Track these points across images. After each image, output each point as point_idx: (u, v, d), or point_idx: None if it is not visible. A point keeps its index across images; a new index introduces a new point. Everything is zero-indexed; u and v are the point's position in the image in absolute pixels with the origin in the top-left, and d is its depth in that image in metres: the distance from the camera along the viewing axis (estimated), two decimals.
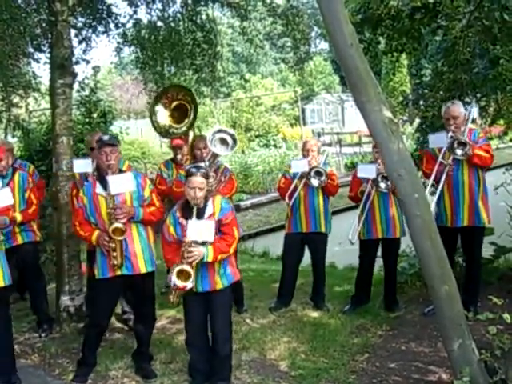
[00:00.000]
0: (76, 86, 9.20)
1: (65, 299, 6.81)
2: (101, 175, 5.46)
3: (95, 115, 12.93)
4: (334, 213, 7.31)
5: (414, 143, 12.66)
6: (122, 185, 5.21)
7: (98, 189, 5.32)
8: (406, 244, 7.32)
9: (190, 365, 5.31)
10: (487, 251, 7.85)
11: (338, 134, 33.40)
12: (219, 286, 5.01)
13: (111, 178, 5.17)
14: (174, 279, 4.80)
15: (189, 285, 4.81)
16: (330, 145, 28.45)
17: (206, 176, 4.99)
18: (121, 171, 5.44)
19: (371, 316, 6.82)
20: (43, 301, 6.89)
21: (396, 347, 5.97)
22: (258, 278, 8.84)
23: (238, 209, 15.13)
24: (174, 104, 7.35)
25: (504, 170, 8.80)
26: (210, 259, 4.86)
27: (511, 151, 24.02)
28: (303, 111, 38.26)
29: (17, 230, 6.49)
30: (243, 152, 23.07)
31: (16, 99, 11.71)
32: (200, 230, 4.79)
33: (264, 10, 10.19)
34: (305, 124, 35.31)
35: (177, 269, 4.79)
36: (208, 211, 4.93)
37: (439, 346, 5.67)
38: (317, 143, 7.33)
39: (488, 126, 10.69)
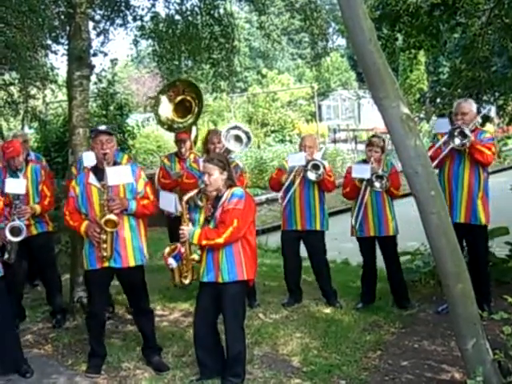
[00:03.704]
0: (93, 78, 9.21)
1: (78, 290, 6.84)
2: (95, 166, 5.44)
3: (112, 108, 12.96)
4: (346, 210, 7.29)
5: (430, 141, 12.58)
6: (119, 176, 5.19)
7: (92, 179, 5.31)
8: (420, 242, 7.29)
9: (198, 359, 5.27)
10: (502, 251, 7.81)
11: (353, 130, 33.26)
12: (220, 280, 4.96)
13: (110, 169, 5.16)
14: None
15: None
16: (345, 141, 28.36)
17: (222, 166, 4.95)
18: (115, 163, 5.41)
19: (384, 313, 6.80)
20: (57, 291, 6.93)
21: (409, 345, 5.95)
22: (272, 273, 8.83)
23: None
24: (179, 98, 7.38)
25: None
26: (194, 241, 4.92)
27: None
28: (319, 107, 38.13)
29: (31, 221, 6.54)
30: (259, 147, 23.02)
31: (33, 91, 11.79)
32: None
33: (282, 4, 10.17)
34: (321, 120, 35.22)
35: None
36: (222, 200, 4.95)
37: (452, 345, 5.64)
38: (314, 139, 7.28)
39: (506, 125, 10.62)
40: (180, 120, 7.45)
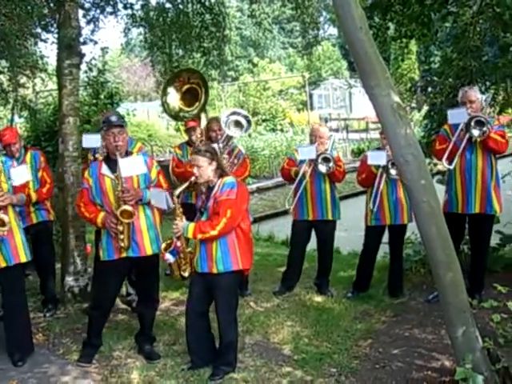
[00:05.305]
0: (83, 66, 9.16)
1: (69, 280, 6.84)
2: (107, 156, 5.43)
3: (102, 96, 12.92)
4: (340, 199, 7.28)
5: (421, 130, 12.60)
6: (132, 168, 5.20)
7: (104, 170, 5.29)
8: (411, 231, 7.31)
9: (189, 348, 5.29)
10: (493, 240, 7.84)
11: (345, 119, 33.32)
12: (214, 270, 4.97)
13: (122, 161, 5.15)
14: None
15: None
16: (337, 130, 28.40)
17: (210, 157, 4.95)
18: (127, 153, 5.39)
19: (375, 302, 6.82)
20: (52, 280, 6.93)
21: (399, 333, 5.97)
22: (263, 261, 8.85)
23: None
24: (186, 87, 7.34)
25: None
26: (189, 235, 4.94)
27: None
28: (311, 96, 38.13)
29: (31, 209, 6.53)
30: (250, 136, 22.99)
31: (23, 80, 11.71)
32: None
33: None
34: (312, 109, 35.22)
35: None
36: (214, 190, 4.95)
37: (443, 333, 5.67)
38: (325, 129, 7.26)
39: (496, 115, 10.64)
40: (187, 109, 7.41)
